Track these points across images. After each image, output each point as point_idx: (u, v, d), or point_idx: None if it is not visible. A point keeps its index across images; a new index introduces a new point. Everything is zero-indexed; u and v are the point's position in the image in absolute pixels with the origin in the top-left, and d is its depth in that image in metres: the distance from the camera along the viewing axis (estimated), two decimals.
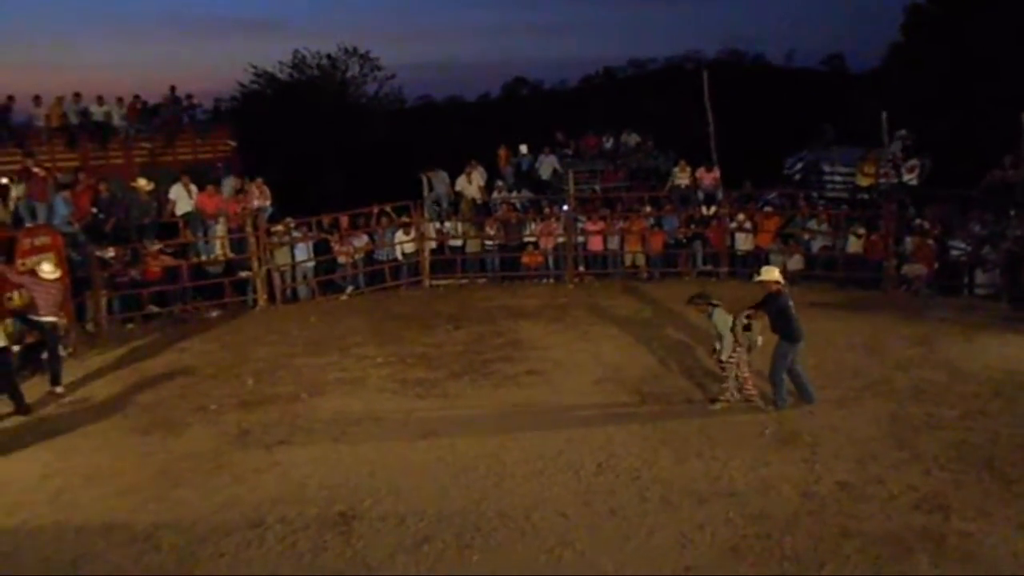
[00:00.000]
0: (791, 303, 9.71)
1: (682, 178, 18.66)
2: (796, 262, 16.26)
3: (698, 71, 22.11)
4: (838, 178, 19.61)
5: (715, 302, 9.83)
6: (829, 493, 7.71)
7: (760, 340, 9.79)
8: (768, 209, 17.40)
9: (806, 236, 16.48)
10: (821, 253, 16.31)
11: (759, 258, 16.23)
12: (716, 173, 18.22)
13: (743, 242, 16.84)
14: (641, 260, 17.26)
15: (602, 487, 7.96)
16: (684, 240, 17.23)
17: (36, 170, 14.93)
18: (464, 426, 9.53)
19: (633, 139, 22.32)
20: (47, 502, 8.00)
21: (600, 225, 17.27)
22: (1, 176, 15.47)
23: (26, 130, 19.34)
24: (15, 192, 14.99)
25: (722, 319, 9.66)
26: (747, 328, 9.63)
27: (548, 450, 8.74)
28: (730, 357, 9.60)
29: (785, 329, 9.61)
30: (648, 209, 17.66)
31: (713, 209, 17.38)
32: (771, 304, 9.60)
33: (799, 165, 21.45)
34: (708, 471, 8.20)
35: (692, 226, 17.29)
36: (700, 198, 18.12)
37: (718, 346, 9.73)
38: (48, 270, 11.16)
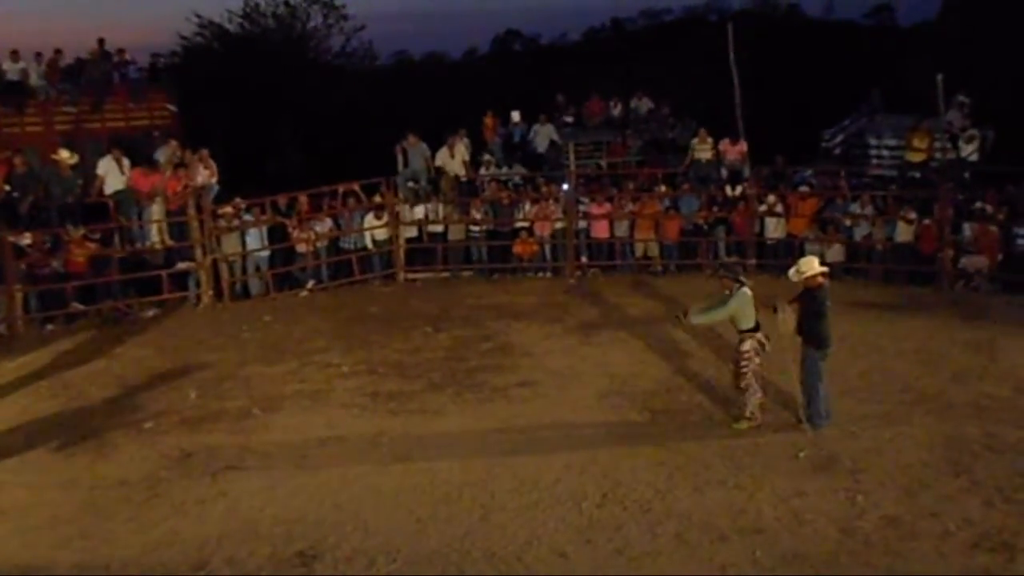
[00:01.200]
0: (828, 302, 9.73)
1: (702, 152, 18.63)
2: (835, 252, 16.30)
3: (722, 24, 22.16)
4: (885, 153, 19.74)
5: (744, 279, 9.82)
6: (874, 529, 7.74)
7: (769, 345, 9.76)
8: (803, 189, 17.43)
9: (847, 222, 16.53)
10: (865, 242, 16.37)
11: (792, 247, 16.27)
12: (743, 146, 18.20)
13: (773, 228, 16.89)
14: (654, 250, 17.27)
15: (607, 522, 7.97)
16: (704, 226, 17.26)
17: None
18: (445, 448, 9.52)
19: (645, 105, 22.33)
20: None
21: (606, 208, 17.27)
22: None
23: None
24: None
25: (742, 303, 9.60)
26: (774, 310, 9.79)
27: (544, 478, 8.73)
28: (745, 356, 9.65)
29: (820, 332, 9.62)
30: (663, 189, 17.66)
31: (739, 189, 17.40)
32: (813, 301, 9.56)
33: (840, 137, 21.59)
34: (731, 503, 8.22)
35: (714, 209, 17.31)
36: (723, 176, 18.13)
37: (700, 319, 10.05)
38: None
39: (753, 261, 16.66)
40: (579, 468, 8.92)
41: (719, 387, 10.88)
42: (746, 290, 9.67)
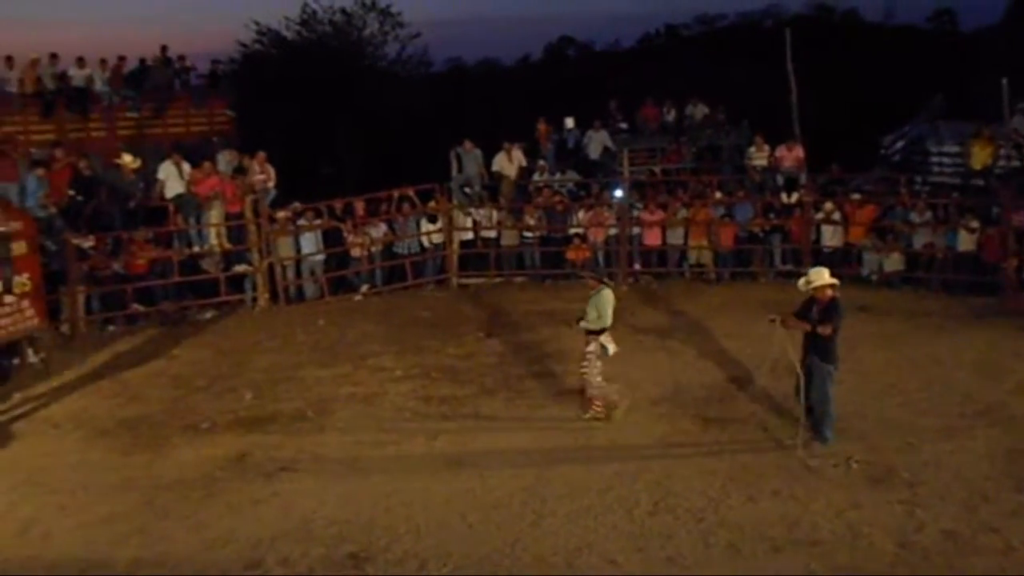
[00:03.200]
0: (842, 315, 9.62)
1: (758, 158, 18.50)
2: (894, 261, 16.06)
3: (779, 29, 21.96)
4: (947, 160, 19.36)
5: (607, 281, 10.36)
6: (932, 544, 7.59)
7: (613, 348, 10.14)
8: (861, 197, 17.19)
9: (907, 230, 16.24)
10: (925, 251, 16.09)
11: (849, 255, 16.06)
12: (799, 152, 18.02)
13: (830, 236, 16.67)
14: (708, 257, 17.15)
15: (658, 530, 7.91)
16: (760, 233, 17.09)
17: (2, 146, 15.20)
18: (497, 454, 9.53)
19: (700, 111, 22.19)
20: (16, 533, 8.15)
21: (659, 214, 17.19)
22: None
23: None
24: None
25: (599, 302, 9.99)
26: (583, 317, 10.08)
27: (595, 484, 8.70)
28: (587, 356, 10.07)
29: (833, 347, 9.46)
30: (717, 195, 17.53)
31: (795, 196, 17.21)
32: (839, 312, 9.40)
33: (900, 144, 21.22)
34: (785, 514, 8.11)
35: (770, 216, 17.13)
36: (779, 183, 17.95)
37: (586, 323, 10.09)
38: None
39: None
40: (631, 475, 8.87)
41: (773, 396, 10.76)
42: (607, 291, 10.12)
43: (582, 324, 10.18)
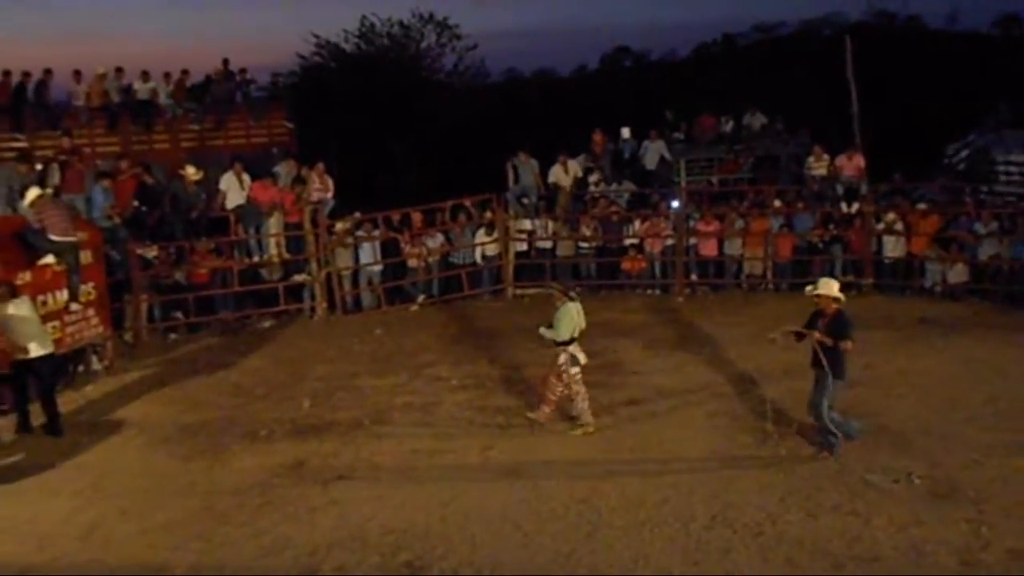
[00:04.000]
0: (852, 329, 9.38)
1: (818, 168, 18.26)
2: (959, 272, 15.75)
3: (839, 37, 21.69)
4: (1013, 169, 18.96)
5: (572, 295, 10.48)
6: (998, 562, 7.38)
7: (583, 358, 10.25)
8: (924, 207, 16.88)
9: (972, 241, 15.92)
10: (991, 262, 15.74)
11: (911, 267, 15.77)
12: (860, 160, 17.76)
13: (892, 247, 16.40)
14: (765, 267, 16.95)
15: (716, 544, 7.80)
16: (819, 244, 16.87)
17: (70, 158, 15.56)
18: (552, 465, 9.50)
19: (758, 121, 22.03)
20: (79, 537, 8.29)
21: (716, 225, 17.07)
22: (37, 162, 16.16)
23: (64, 109, 20.19)
24: (52, 180, 15.61)
25: (563, 316, 10.11)
26: (548, 326, 10.23)
27: (651, 497, 8.62)
28: (562, 368, 10.20)
29: (841, 361, 9.28)
30: (776, 205, 17.34)
31: (855, 206, 16.97)
32: (846, 324, 9.23)
33: (964, 152, 20.85)
34: (845, 529, 7.95)
35: (829, 227, 16.90)
36: (839, 192, 17.70)
37: (544, 332, 10.28)
38: None
39: (870, 281, 16.22)
40: (687, 488, 8.78)
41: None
42: (571, 305, 10.22)
43: (543, 332, 10.36)
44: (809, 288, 9.48)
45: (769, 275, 17.01)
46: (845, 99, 18.67)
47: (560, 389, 10.39)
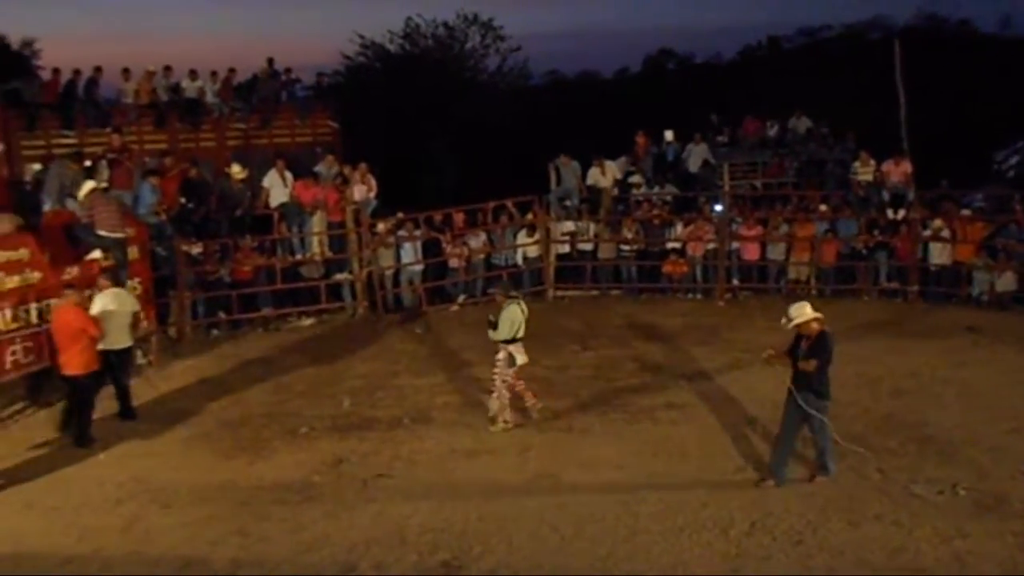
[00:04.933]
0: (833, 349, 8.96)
1: (864, 173, 18.06)
2: (1007, 281, 15.47)
3: (886, 41, 21.41)
4: None
5: (515, 294, 10.80)
6: None
7: (521, 358, 10.43)
8: (971, 213, 16.61)
9: (1020, 248, 15.62)
10: None
11: (958, 275, 15.51)
12: (907, 166, 17.50)
13: (939, 254, 16.15)
14: (809, 273, 16.78)
15: (755, 551, 7.74)
16: (864, 250, 16.67)
17: (119, 155, 15.77)
18: (590, 468, 9.47)
19: (803, 124, 21.82)
20: (121, 529, 8.42)
21: (759, 229, 16.93)
22: (85, 158, 16.40)
23: (113, 107, 20.48)
24: (101, 177, 15.83)
25: (507, 316, 10.36)
26: (493, 325, 10.44)
27: (690, 502, 8.57)
28: (504, 374, 10.46)
29: (826, 381, 8.88)
30: (822, 210, 17.16)
31: (902, 212, 16.74)
32: (827, 347, 8.77)
33: (1014, 159, 20.53)
34: (888, 539, 7.85)
35: (875, 233, 16.69)
36: (886, 198, 17.47)
37: (491, 333, 10.51)
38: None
39: (916, 288, 15.98)
40: (727, 494, 8.71)
41: (875, 418, 10.46)
42: (514, 305, 10.50)
43: (491, 334, 10.56)
44: (783, 322, 8.89)
45: (812, 281, 16.83)
46: (892, 104, 18.40)
47: (508, 391, 10.61)
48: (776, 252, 16.97)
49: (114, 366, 11.17)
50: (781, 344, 9.20)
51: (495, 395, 10.64)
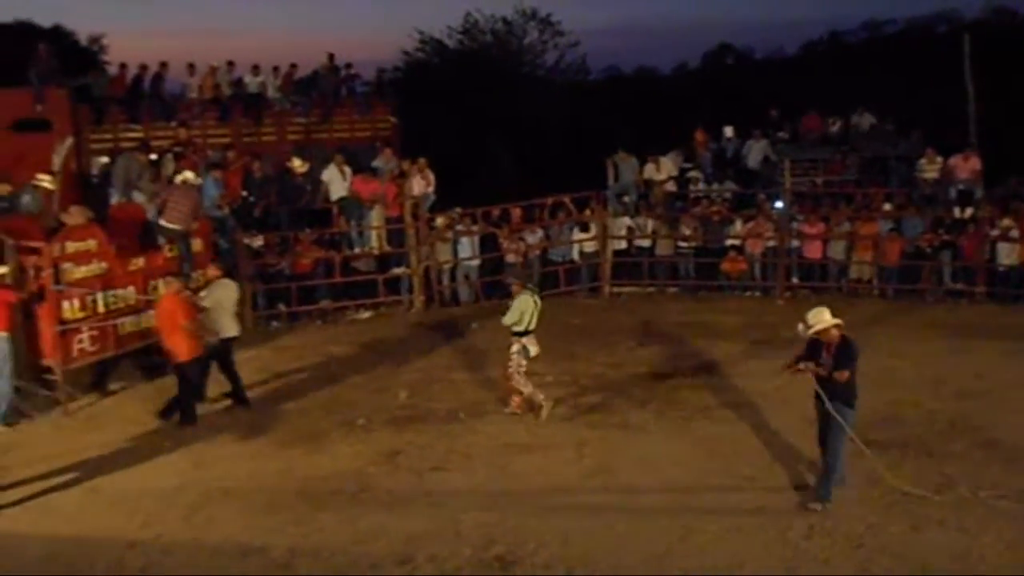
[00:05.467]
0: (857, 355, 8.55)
1: (929, 170, 17.70)
2: None
3: (953, 35, 20.95)
4: None
5: (530, 287, 10.90)
6: None
7: (534, 350, 10.60)
8: None
9: None
10: None
11: None
12: (976, 162, 17.13)
13: (1007, 254, 15.79)
14: (871, 272, 16.50)
15: (813, 554, 7.64)
16: (929, 249, 16.33)
17: (185, 149, 16.05)
18: (646, 465, 9.42)
19: (867, 121, 21.40)
20: (182, 517, 8.57)
21: (821, 227, 16.68)
22: (151, 152, 16.70)
23: (178, 101, 20.81)
24: (167, 170, 16.13)
25: (520, 306, 10.50)
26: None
27: (746, 502, 8.49)
28: (520, 365, 10.61)
29: (852, 390, 8.49)
30: (885, 208, 16.85)
31: (969, 211, 16.37)
32: (853, 353, 8.40)
33: None
34: (951, 545, 7.69)
35: (940, 232, 16.34)
36: (952, 196, 17.10)
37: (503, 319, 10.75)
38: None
39: (982, 289, 15.64)
40: (785, 495, 8.61)
41: (939, 421, 10.26)
42: (526, 295, 10.60)
43: (503, 320, 10.75)
44: (800, 328, 8.50)
45: (874, 280, 16.55)
46: (960, 99, 18.01)
47: (527, 380, 10.77)
48: (837, 251, 16.71)
49: (224, 354, 11.40)
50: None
51: (518, 387, 10.78)
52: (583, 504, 8.59)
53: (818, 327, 8.35)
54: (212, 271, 11.79)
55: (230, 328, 11.39)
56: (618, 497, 8.71)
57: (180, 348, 10.61)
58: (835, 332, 8.38)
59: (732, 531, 8.00)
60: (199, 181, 12.76)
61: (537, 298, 10.77)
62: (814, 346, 8.49)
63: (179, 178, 12.82)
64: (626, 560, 7.60)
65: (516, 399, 10.90)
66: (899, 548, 7.65)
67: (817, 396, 8.53)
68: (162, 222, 12.45)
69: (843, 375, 8.28)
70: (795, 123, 21.72)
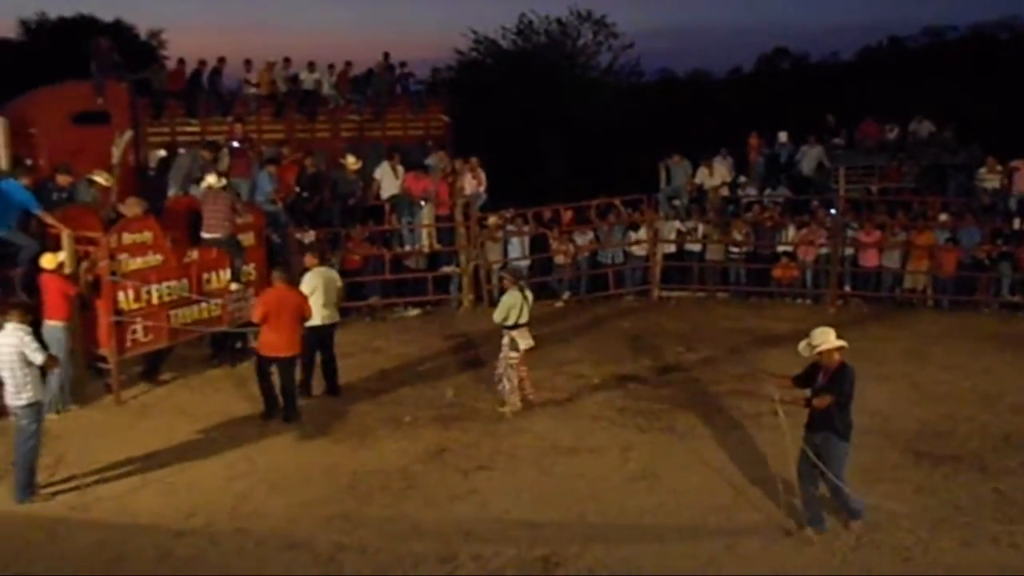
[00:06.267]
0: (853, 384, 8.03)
1: (989, 180, 17.39)
2: None
3: (1017, 41, 20.53)
4: None
5: (521, 284, 11.08)
6: None
7: (524, 343, 10.88)
8: None
9: None
10: None
11: None
12: None
13: None
14: (926, 282, 16.24)
15: (860, 565, 7.55)
16: (986, 260, 16.02)
17: (235, 144, 16.22)
18: (691, 470, 9.36)
19: (925, 128, 21.11)
20: (229, 508, 8.67)
21: (876, 235, 16.44)
22: (216, 149, 16.90)
23: (234, 96, 21.08)
24: (222, 164, 16.32)
25: (508, 301, 10.81)
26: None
27: (794, 512, 8.37)
28: (508, 357, 10.91)
29: (846, 418, 7.95)
30: (942, 218, 16.57)
31: None
32: (847, 382, 7.89)
33: None
34: (1004, 562, 7.55)
35: (999, 243, 16.03)
36: (1012, 207, 16.77)
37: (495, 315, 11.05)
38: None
39: None
40: (831, 505, 8.49)
41: (994, 435, 10.06)
42: (515, 291, 10.88)
43: (493, 317, 11.15)
44: (803, 346, 8.03)
45: (929, 291, 16.28)
46: (1022, 108, 17.65)
47: (515, 374, 11.01)
48: (891, 259, 16.46)
49: (323, 342, 11.55)
50: (782, 371, 8.90)
51: (503, 380, 11.03)
52: (628, 508, 8.56)
53: (822, 347, 7.87)
54: (310, 259, 11.88)
55: (327, 316, 11.51)
56: (663, 501, 8.66)
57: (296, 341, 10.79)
58: (837, 356, 7.91)
59: (778, 539, 7.92)
60: (222, 183, 12.81)
61: (527, 293, 11.07)
62: (813, 369, 8.08)
63: (203, 185, 12.89)
64: (671, 565, 7.56)
65: (514, 396, 11.10)
66: (949, 563, 7.52)
67: (810, 425, 8.04)
68: (204, 235, 12.55)
69: (822, 401, 7.77)
70: (851, 129, 21.47)
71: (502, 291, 11.46)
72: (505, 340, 11.00)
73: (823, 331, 7.98)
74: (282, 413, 10.83)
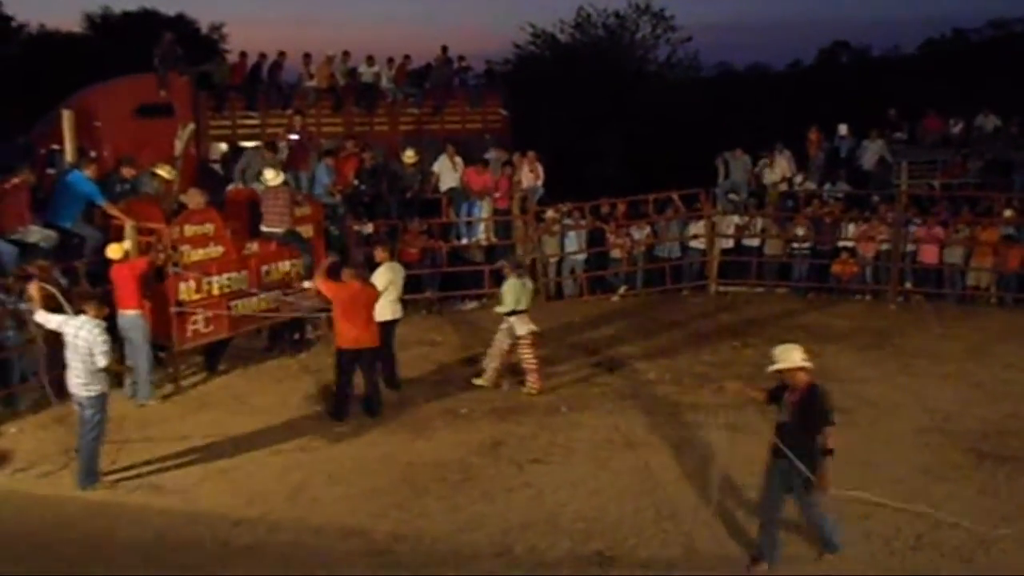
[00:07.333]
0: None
1: None
2: None
3: None
4: None
5: (521, 272, 11.54)
6: None
7: (522, 329, 11.24)
8: None
9: None
10: None
11: None
12: None
13: None
14: (989, 279, 15.90)
15: (922, 566, 7.44)
16: None
17: (293, 137, 16.40)
18: (748, 466, 9.17)
19: (991, 123, 20.61)
20: (287, 497, 8.79)
21: (938, 232, 16.12)
22: (267, 139, 17.12)
23: (294, 90, 21.31)
24: (281, 156, 16.52)
25: (508, 289, 11.22)
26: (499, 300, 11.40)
27: (851, 511, 8.25)
28: (502, 342, 11.45)
29: (811, 447, 7.26)
30: (1007, 214, 16.21)
31: None
32: (818, 405, 7.32)
33: None
34: None
35: None
36: None
37: (497, 309, 11.55)
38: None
39: None
40: (891, 505, 8.37)
41: None
42: (514, 279, 11.28)
43: (498, 310, 11.55)
44: (770, 368, 7.44)
45: (993, 288, 15.94)
46: None
47: (530, 355, 11.43)
48: (954, 256, 16.14)
49: (387, 336, 11.52)
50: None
51: (489, 359, 11.67)
52: (685, 504, 8.51)
53: (781, 365, 7.27)
54: (380, 253, 11.87)
55: (394, 311, 11.54)
56: (719, 497, 8.59)
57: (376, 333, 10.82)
58: (802, 376, 7.28)
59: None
60: (280, 179, 12.89)
61: (527, 280, 11.58)
62: (779, 390, 7.53)
63: (263, 179, 13.03)
64: (727, 560, 7.50)
65: (533, 376, 11.47)
66: (1012, 565, 7.39)
67: (774, 450, 7.45)
68: (263, 228, 12.71)
69: (825, 442, 7.21)
70: (914, 123, 21.06)
71: (502, 279, 11.77)
72: (504, 326, 11.44)
73: (786, 348, 7.43)
74: (363, 405, 10.80)
